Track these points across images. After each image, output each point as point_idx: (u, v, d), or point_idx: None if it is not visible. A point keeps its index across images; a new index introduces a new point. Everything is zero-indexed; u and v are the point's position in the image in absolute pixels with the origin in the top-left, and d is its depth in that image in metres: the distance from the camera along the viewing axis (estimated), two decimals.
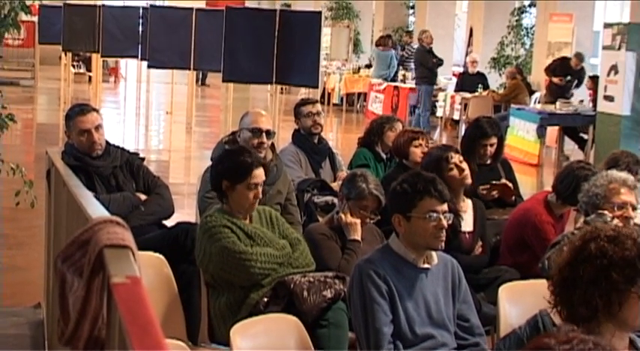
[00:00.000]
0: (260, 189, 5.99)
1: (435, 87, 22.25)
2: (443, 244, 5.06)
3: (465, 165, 6.98)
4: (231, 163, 6.08)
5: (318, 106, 9.14)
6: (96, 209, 3.91)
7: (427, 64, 21.77)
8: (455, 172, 6.89)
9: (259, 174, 5.97)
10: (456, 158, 7.01)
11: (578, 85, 20.22)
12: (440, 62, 22.27)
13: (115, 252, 3.02)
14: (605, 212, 5.87)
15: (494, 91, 22.16)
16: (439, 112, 23.37)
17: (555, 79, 20.11)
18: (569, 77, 19.91)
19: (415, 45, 27.05)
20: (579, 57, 20.21)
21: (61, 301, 3.12)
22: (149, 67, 21.64)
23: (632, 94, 17.14)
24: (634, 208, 5.98)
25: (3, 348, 7.17)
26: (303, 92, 16.33)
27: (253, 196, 5.94)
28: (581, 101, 19.54)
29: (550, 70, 20.28)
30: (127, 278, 2.73)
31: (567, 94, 19.76)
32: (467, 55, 24.41)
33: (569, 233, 6.03)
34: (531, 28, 23.82)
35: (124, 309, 2.54)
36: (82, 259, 3.06)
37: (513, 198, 8.15)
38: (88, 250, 3.05)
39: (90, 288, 3.00)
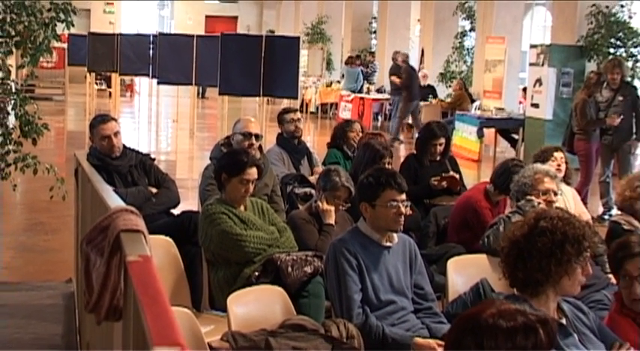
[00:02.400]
0: (251, 185, 5.98)
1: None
2: (401, 226, 5.07)
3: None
4: (231, 160, 6.12)
5: (298, 114, 9.17)
6: (114, 200, 3.89)
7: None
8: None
9: (252, 172, 5.96)
10: (386, 160, 7.41)
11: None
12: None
13: (129, 235, 3.02)
14: (533, 198, 5.88)
15: (442, 100, 22.23)
16: None
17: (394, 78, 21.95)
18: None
19: (377, 63, 27.19)
20: (403, 56, 22.01)
21: (86, 277, 3.11)
22: (158, 83, 21.52)
23: (554, 102, 17.20)
24: (555, 194, 6.00)
25: (42, 315, 7.18)
26: (285, 102, 16.34)
27: (244, 190, 5.94)
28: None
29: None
30: (139, 257, 2.73)
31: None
32: (419, 71, 24.39)
33: (504, 216, 6.04)
34: (471, 48, 23.83)
35: (137, 282, 2.53)
36: (103, 242, 3.05)
37: (459, 188, 8.17)
38: (108, 234, 3.04)
39: (109, 265, 2.99)
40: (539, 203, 5.82)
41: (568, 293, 3.82)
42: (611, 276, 5.46)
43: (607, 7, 17.59)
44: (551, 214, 3.87)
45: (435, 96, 22.47)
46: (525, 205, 5.85)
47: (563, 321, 3.81)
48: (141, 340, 2.29)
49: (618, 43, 17.41)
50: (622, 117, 12.07)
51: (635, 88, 13.23)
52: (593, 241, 3.89)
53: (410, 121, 21.83)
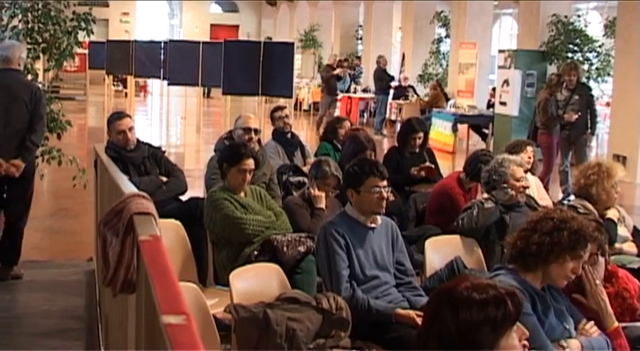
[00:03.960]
0: (248, 175, 5.96)
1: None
2: (384, 209, 5.06)
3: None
4: (230, 152, 6.12)
5: (287, 111, 9.19)
6: (128, 188, 3.88)
7: (384, 80, 21.81)
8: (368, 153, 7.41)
9: (249, 163, 5.95)
10: (368, 152, 7.45)
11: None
12: (392, 79, 22.31)
13: (141, 218, 3.01)
14: (505, 186, 5.88)
15: (420, 99, 22.20)
16: None
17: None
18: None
19: (363, 66, 27.19)
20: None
21: (103, 255, 3.11)
22: (169, 84, 21.45)
23: (519, 100, 17.21)
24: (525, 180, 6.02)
25: (67, 290, 7.21)
26: (281, 101, 16.35)
27: (242, 179, 5.92)
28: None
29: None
30: (150, 236, 2.72)
31: None
32: (400, 73, 24.41)
33: (478, 201, 6.04)
34: (446, 53, 23.83)
35: (148, 259, 2.52)
36: (118, 224, 3.05)
37: (435, 176, 8.17)
38: (122, 216, 3.03)
39: (124, 244, 2.99)
40: (512, 191, 5.84)
41: (553, 282, 3.81)
42: None
43: (565, 16, 17.65)
44: (569, 212, 3.94)
45: (417, 94, 22.48)
46: (499, 194, 5.85)
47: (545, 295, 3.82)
48: (151, 310, 2.28)
49: (575, 48, 17.47)
50: (579, 114, 12.20)
51: (589, 88, 13.31)
52: (597, 240, 3.97)
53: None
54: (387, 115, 22.61)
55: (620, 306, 4.22)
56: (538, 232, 3.77)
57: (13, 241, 7.27)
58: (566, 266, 3.75)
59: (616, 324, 3.94)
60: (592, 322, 3.91)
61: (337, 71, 22.43)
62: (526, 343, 2.75)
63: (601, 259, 4.11)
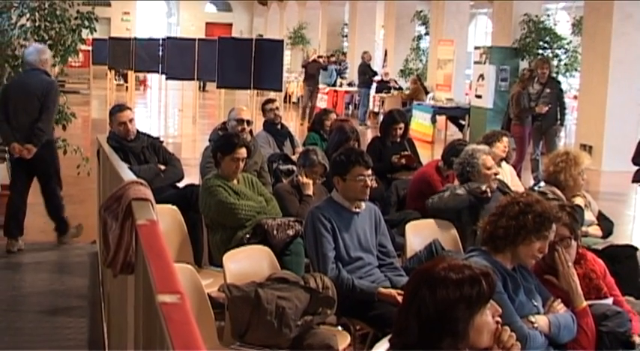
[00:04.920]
0: (241, 163, 5.93)
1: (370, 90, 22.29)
2: (368, 196, 5.05)
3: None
4: (224, 141, 6.08)
5: (277, 103, 9.23)
6: (128, 175, 3.87)
7: (367, 74, 21.77)
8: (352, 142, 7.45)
9: (242, 152, 5.93)
10: (351, 143, 7.48)
11: None
12: (375, 73, 22.28)
13: (139, 203, 3.00)
14: (479, 177, 5.88)
15: (402, 92, 22.18)
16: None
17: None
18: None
19: (348, 61, 27.18)
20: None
21: (104, 238, 3.10)
22: (167, 78, 21.31)
23: (494, 93, 17.22)
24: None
25: (72, 270, 7.22)
26: (272, 94, 16.26)
27: (235, 167, 5.89)
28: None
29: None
30: (147, 221, 2.72)
31: None
32: (383, 68, 24.40)
33: (452, 186, 6.05)
34: (426, 49, 23.81)
35: (145, 242, 2.52)
36: (118, 209, 3.04)
37: (415, 164, 8.16)
38: (122, 202, 3.03)
39: (123, 228, 2.98)
40: (486, 189, 5.83)
41: (522, 262, 3.81)
42: None
43: (536, 16, 17.69)
44: (534, 196, 3.93)
45: (398, 88, 22.46)
46: (472, 186, 5.84)
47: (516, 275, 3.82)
48: (148, 289, 2.28)
49: (545, 45, 17.52)
50: (549, 106, 12.26)
51: (559, 82, 13.38)
52: (567, 224, 3.96)
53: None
54: (371, 107, 22.59)
55: (587, 286, 4.22)
56: (505, 216, 3.77)
57: (56, 210, 7.92)
58: (533, 247, 3.75)
59: (584, 304, 3.95)
60: (559, 300, 3.92)
61: (316, 58, 22.50)
62: (499, 319, 2.76)
63: (573, 243, 4.11)
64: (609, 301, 4.24)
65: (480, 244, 3.98)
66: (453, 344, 2.57)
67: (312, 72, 21.93)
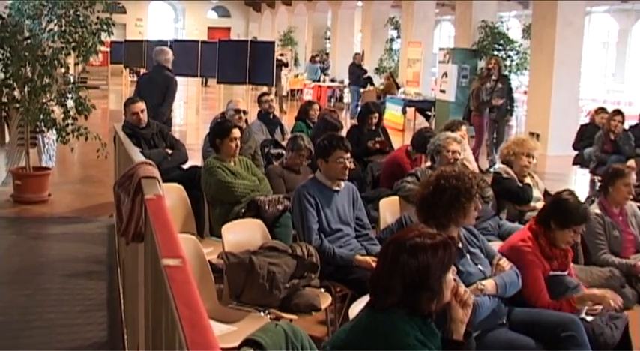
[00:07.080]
0: (238, 141, 5.91)
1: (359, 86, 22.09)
2: (347, 176, 5.04)
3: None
4: (220, 127, 6.02)
5: (272, 96, 9.22)
6: (138, 157, 3.85)
7: (357, 73, 21.64)
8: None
9: (235, 132, 5.90)
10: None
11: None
12: (365, 72, 22.10)
13: (148, 181, 2.98)
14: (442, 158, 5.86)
15: (377, 87, 22.13)
16: (346, 100, 23.74)
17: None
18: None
19: (330, 61, 27.10)
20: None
21: (117, 211, 3.08)
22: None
23: (456, 89, 17.21)
24: (459, 154, 5.98)
25: (92, 240, 7.22)
26: (264, 89, 16.12)
27: (235, 146, 5.86)
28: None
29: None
30: (154, 196, 2.70)
31: None
32: None
33: (420, 169, 6.04)
34: (398, 50, 23.78)
35: (152, 214, 2.51)
36: (129, 185, 3.02)
37: (388, 149, 8.17)
38: (133, 180, 3.01)
39: (134, 202, 2.96)
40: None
41: (467, 225, 3.80)
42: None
43: (492, 22, 17.69)
44: (447, 173, 3.76)
45: (372, 84, 22.39)
46: (438, 164, 5.82)
47: (460, 245, 3.77)
48: (155, 254, 2.26)
49: (499, 47, 17.52)
50: (503, 99, 12.31)
51: (509, 78, 13.48)
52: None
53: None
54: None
55: (562, 263, 4.23)
56: (440, 206, 3.64)
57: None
58: (471, 212, 3.66)
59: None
60: (504, 258, 3.89)
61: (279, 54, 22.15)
62: (456, 277, 2.79)
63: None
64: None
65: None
66: (430, 299, 2.59)
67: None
